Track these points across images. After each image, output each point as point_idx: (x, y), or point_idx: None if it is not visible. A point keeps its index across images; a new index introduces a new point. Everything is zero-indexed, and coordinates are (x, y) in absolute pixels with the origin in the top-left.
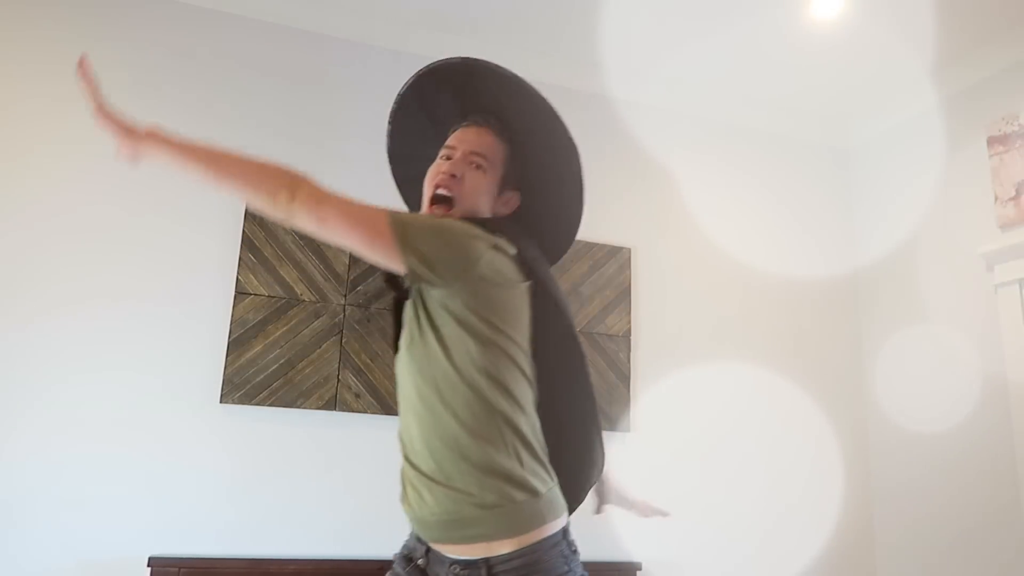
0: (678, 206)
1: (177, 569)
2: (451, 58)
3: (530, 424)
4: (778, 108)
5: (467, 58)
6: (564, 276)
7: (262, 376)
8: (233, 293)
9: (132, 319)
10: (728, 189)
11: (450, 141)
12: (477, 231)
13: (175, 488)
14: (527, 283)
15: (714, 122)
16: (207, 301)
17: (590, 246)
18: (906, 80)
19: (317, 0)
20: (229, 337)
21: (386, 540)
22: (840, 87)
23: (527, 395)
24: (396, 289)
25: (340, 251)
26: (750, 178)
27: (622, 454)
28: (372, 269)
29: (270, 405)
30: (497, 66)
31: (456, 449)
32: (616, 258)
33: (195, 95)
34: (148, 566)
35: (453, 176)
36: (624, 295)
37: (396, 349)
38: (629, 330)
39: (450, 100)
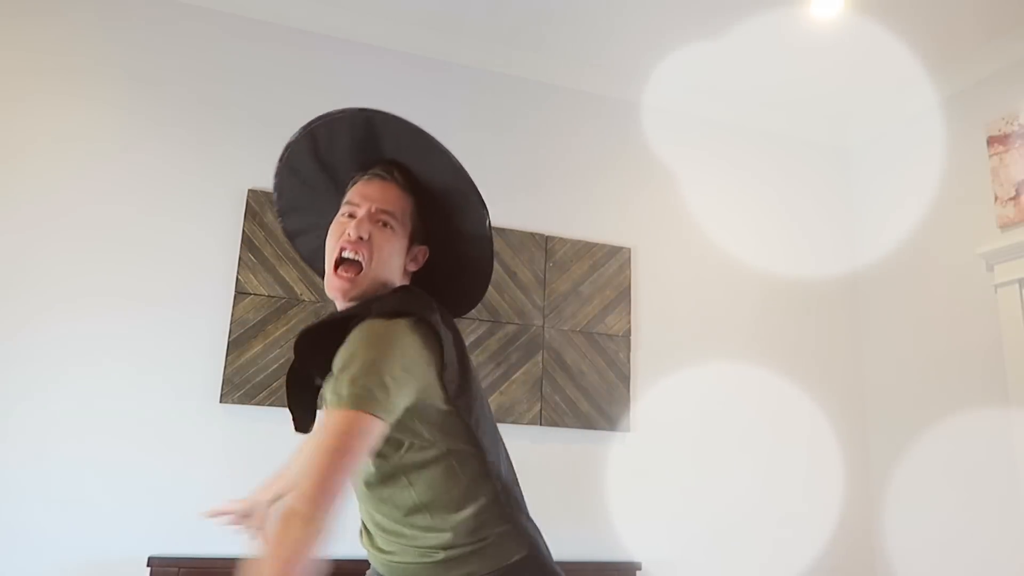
0: (678, 206)
1: (177, 569)
2: (347, 108)
3: None
4: (778, 108)
5: (364, 108)
6: (564, 276)
7: (262, 376)
8: (233, 293)
9: (132, 319)
10: (728, 189)
11: (352, 196)
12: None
13: (175, 488)
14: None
15: (714, 122)
16: (207, 301)
17: (590, 246)
18: (906, 80)
19: (316, 0)
20: (229, 337)
21: None
22: (840, 87)
23: None
24: None
25: None
26: (750, 178)
27: (622, 454)
28: None
29: (270, 405)
30: (397, 117)
31: None
32: (616, 258)
33: (194, 94)
34: (148, 566)
35: (360, 239)
36: (624, 295)
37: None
38: (629, 330)
39: (346, 151)
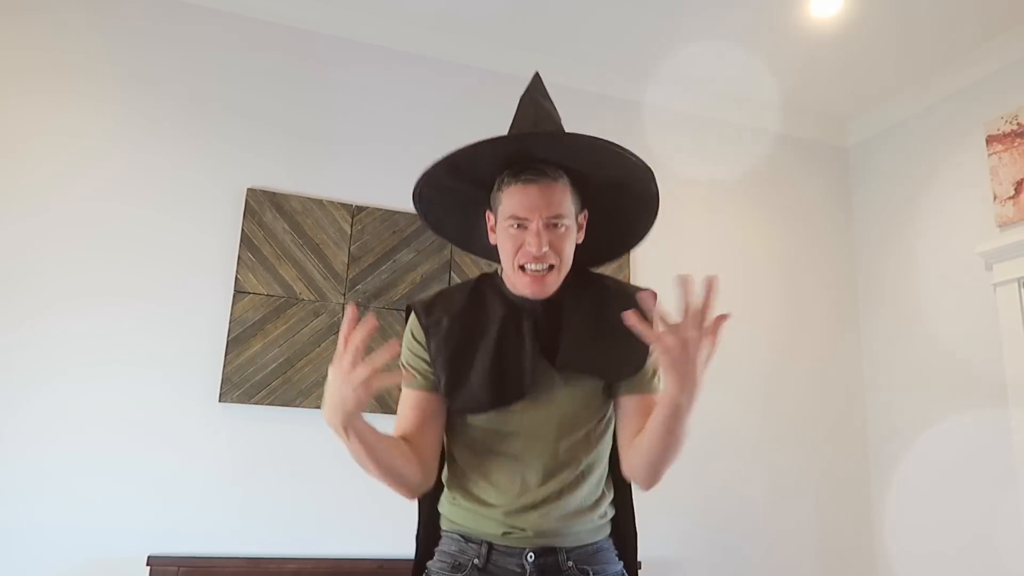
0: (677, 206)
1: (176, 568)
2: (492, 139)
3: None
4: (777, 107)
5: (517, 135)
6: None
7: (261, 375)
8: (232, 292)
9: (131, 317)
10: (727, 188)
11: (516, 209)
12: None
13: (174, 487)
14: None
15: (713, 121)
16: (206, 300)
17: None
18: (905, 79)
19: (316, 0)
20: (228, 336)
21: (385, 539)
22: (839, 86)
23: None
24: None
25: (339, 250)
26: (750, 177)
27: None
28: (371, 268)
29: (269, 404)
30: (546, 132)
31: None
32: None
33: (193, 93)
34: (147, 565)
35: (544, 252)
36: None
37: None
38: None
39: (491, 163)
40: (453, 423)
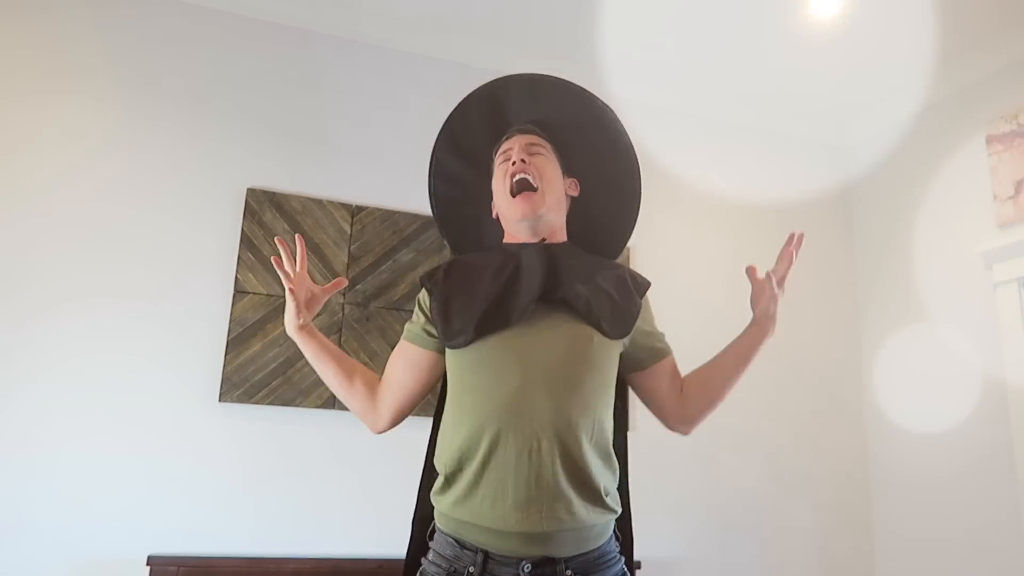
0: (677, 205)
1: (176, 568)
2: (474, 91)
3: None
4: (777, 106)
5: (485, 84)
6: None
7: (261, 375)
8: (232, 292)
9: (130, 317)
10: (727, 188)
11: (502, 148)
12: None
13: (174, 487)
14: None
15: (713, 120)
16: (206, 300)
17: None
18: (905, 78)
19: None
20: (228, 336)
21: (384, 539)
22: (839, 85)
23: None
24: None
25: (339, 250)
26: (749, 176)
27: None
28: (371, 268)
29: (269, 404)
30: (510, 77)
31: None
32: None
33: (193, 92)
34: (147, 565)
35: (523, 161)
36: None
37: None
38: None
39: (480, 131)
40: (454, 383)
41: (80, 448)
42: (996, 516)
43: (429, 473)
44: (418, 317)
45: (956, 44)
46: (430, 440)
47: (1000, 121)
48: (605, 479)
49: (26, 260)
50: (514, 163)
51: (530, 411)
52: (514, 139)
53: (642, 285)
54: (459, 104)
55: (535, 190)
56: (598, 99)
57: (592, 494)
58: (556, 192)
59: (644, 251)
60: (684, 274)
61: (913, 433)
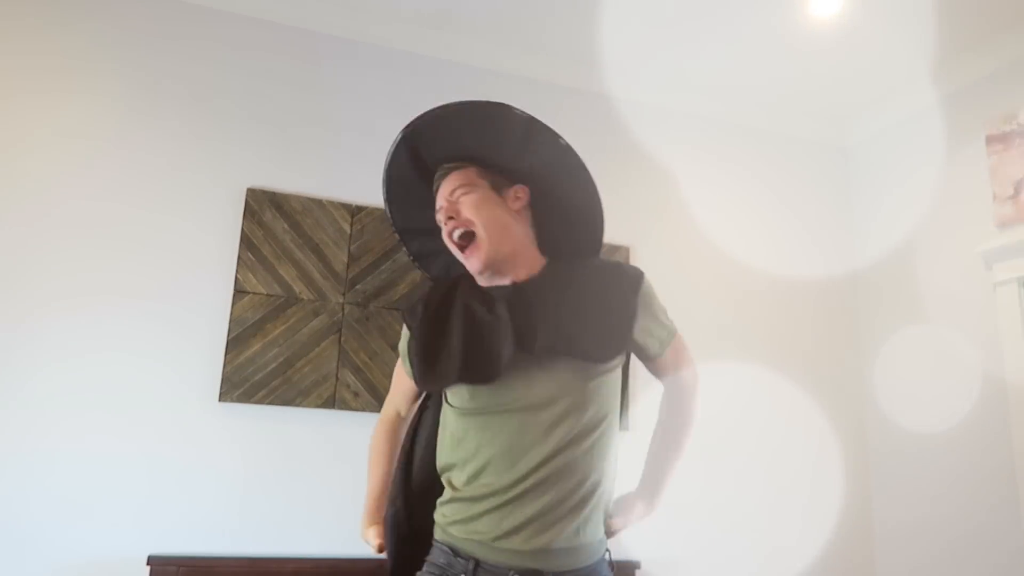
0: (677, 204)
1: (176, 568)
2: (408, 125)
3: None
4: (777, 106)
5: (402, 130)
6: None
7: (261, 375)
8: (232, 291)
9: (130, 317)
10: (727, 187)
11: (437, 205)
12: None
13: (174, 487)
14: None
15: (712, 120)
16: (206, 299)
17: None
18: (905, 78)
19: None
20: (228, 336)
21: None
22: (839, 85)
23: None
24: None
25: (339, 250)
26: (749, 176)
27: (620, 453)
28: (371, 268)
29: (269, 404)
30: (428, 114)
31: None
32: (615, 256)
33: (193, 92)
34: (147, 565)
35: (452, 218)
36: None
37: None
38: None
39: (424, 158)
40: (446, 420)
41: (79, 448)
42: (996, 516)
43: (405, 478)
44: (404, 350)
45: (955, 44)
46: (409, 442)
47: (1000, 121)
48: (603, 504)
49: (26, 259)
50: (448, 220)
51: (526, 449)
52: (440, 192)
53: (634, 280)
54: (385, 165)
55: (473, 237)
56: (492, 102)
57: (587, 518)
58: (498, 221)
59: (644, 251)
60: (683, 274)
61: (913, 433)
